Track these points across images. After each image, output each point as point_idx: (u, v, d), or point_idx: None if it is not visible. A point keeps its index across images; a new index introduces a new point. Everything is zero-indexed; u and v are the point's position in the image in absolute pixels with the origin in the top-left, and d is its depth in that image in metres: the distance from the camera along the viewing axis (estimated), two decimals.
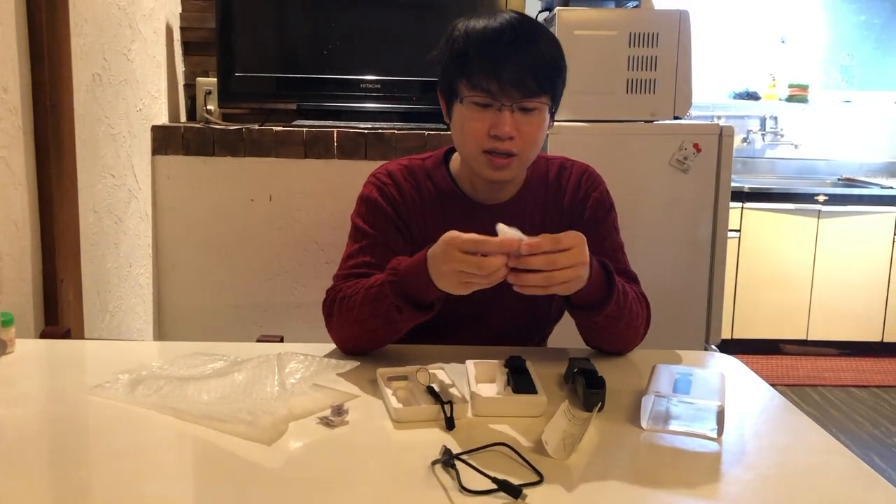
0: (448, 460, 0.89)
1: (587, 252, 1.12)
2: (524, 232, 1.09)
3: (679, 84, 2.42)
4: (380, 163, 1.49)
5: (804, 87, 4.54)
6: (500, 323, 1.42)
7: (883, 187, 4.17)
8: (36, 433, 1.00)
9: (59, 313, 1.71)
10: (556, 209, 1.43)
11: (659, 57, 2.41)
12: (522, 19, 1.29)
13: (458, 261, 1.08)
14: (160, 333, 2.43)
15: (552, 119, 1.35)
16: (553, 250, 1.07)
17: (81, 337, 1.81)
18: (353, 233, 1.40)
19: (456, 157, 1.44)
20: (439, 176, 1.42)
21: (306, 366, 1.13)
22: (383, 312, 1.20)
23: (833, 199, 4.01)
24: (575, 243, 1.09)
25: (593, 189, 1.44)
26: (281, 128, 2.39)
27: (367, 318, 1.22)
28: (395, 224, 1.38)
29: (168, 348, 1.38)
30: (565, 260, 1.08)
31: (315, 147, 2.38)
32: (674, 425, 1.05)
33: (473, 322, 1.41)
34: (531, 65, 1.25)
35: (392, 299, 1.18)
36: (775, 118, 4.55)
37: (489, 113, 1.27)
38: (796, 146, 4.57)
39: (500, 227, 1.10)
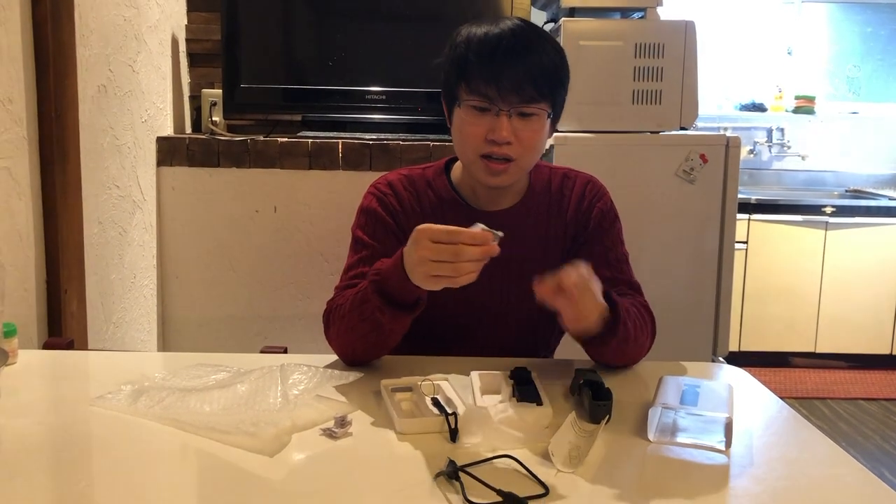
0: (453, 472, 0.88)
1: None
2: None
3: (685, 95, 2.42)
4: (384, 173, 1.48)
5: (811, 99, 4.53)
6: (506, 334, 1.41)
7: (891, 199, 4.15)
8: (38, 444, 0.99)
9: (62, 324, 1.71)
10: (559, 218, 1.42)
11: (665, 68, 2.40)
12: (525, 26, 1.29)
13: (428, 249, 1.07)
14: (164, 344, 2.43)
15: (553, 126, 1.34)
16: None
17: (85, 348, 1.81)
18: (354, 244, 1.40)
19: (457, 165, 1.43)
20: (440, 184, 1.42)
21: (310, 377, 1.13)
22: (369, 315, 1.19)
23: (840, 211, 4.00)
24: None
25: (598, 199, 1.43)
26: (286, 139, 2.39)
27: (357, 323, 1.21)
28: (394, 234, 1.37)
29: (171, 359, 1.37)
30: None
31: (320, 158, 2.37)
32: (681, 437, 1.04)
33: (478, 333, 1.40)
34: (530, 70, 1.25)
35: (373, 300, 1.18)
36: (782, 130, 4.54)
37: (487, 118, 1.27)
38: (803, 157, 4.56)
39: (479, 226, 1.08)
